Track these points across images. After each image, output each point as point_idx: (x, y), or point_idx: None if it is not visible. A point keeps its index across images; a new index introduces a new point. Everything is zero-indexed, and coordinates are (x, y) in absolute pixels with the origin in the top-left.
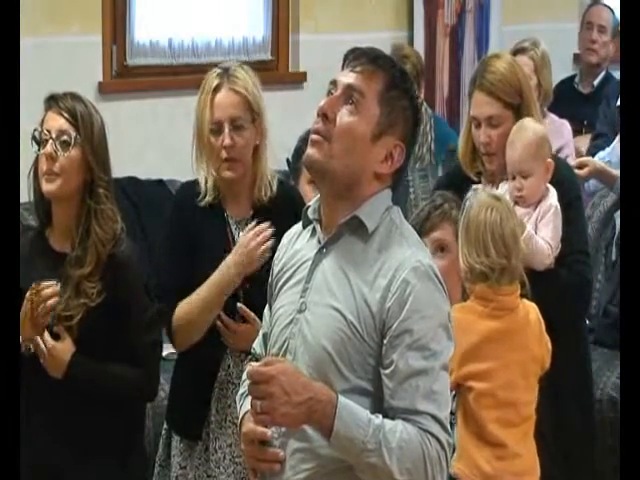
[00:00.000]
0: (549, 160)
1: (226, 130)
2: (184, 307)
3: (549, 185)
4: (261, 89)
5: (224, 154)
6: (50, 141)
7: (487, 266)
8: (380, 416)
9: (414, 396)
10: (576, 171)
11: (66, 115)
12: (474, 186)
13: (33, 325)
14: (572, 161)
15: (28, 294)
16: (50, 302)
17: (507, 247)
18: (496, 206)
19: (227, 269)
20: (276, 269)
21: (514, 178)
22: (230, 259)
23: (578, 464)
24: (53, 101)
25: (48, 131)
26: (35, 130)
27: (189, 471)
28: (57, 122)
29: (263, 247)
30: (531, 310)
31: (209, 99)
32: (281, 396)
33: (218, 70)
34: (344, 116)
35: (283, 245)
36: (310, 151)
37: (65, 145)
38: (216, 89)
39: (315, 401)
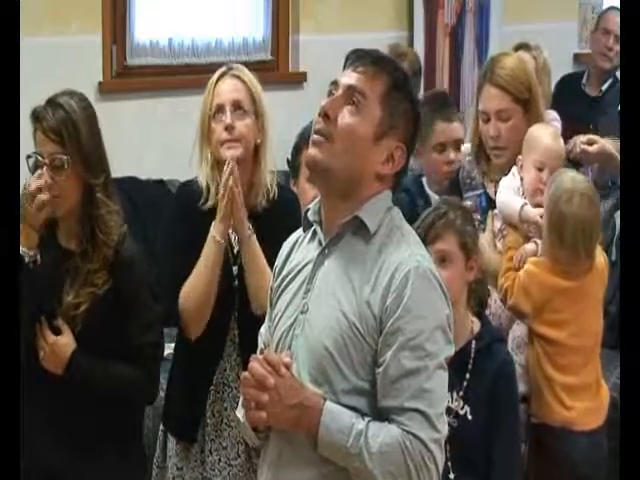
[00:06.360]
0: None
1: (227, 112)
2: (187, 288)
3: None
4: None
5: (225, 135)
6: (45, 168)
7: (560, 258)
8: (365, 420)
9: (403, 395)
10: (585, 147)
11: (52, 136)
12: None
13: (30, 227)
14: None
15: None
16: (42, 196)
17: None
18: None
19: (211, 236)
20: (276, 276)
21: (540, 169)
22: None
23: None
24: (37, 121)
25: (41, 156)
26: (29, 157)
27: (185, 472)
28: (46, 146)
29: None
30: (599, 257)
31: (212, 89)
32: (273, 396)
33: (223, 68)
34: (345, 116)
35: (283, 253)
36: (312, 151)
37: (58, 170)
38: (219, 79)
39: (304, 407)
